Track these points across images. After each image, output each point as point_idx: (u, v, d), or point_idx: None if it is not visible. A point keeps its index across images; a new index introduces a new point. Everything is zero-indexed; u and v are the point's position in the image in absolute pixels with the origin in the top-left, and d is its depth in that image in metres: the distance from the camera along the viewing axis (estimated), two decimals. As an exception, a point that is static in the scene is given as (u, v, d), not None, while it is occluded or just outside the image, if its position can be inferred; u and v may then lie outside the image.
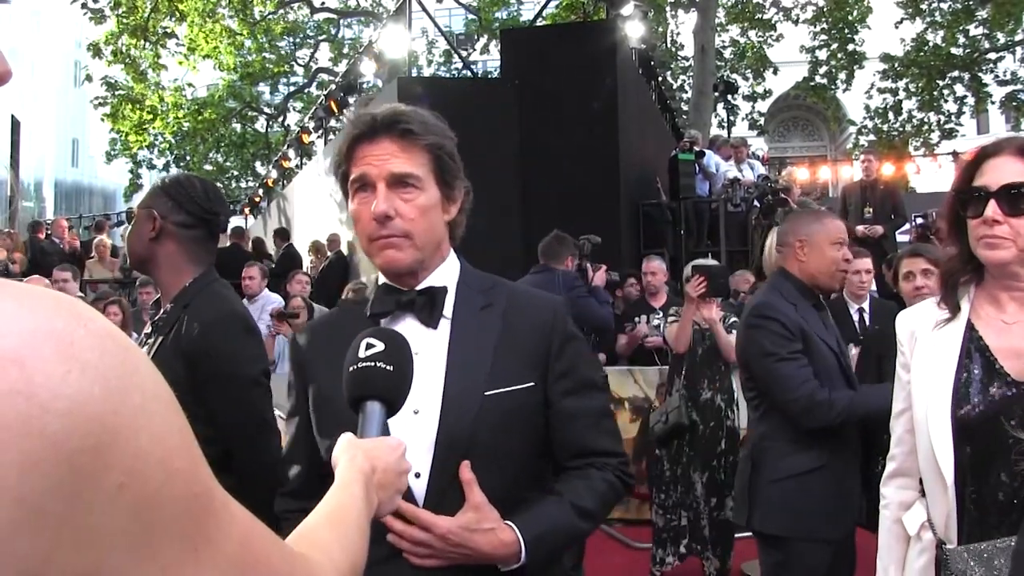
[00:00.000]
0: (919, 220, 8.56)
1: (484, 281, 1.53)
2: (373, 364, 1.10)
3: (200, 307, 2.01)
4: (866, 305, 4.55)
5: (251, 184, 22.94)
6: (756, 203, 9.49)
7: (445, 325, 1.44)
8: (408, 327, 1.43)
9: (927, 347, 1.68)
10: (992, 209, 1.55)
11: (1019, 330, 1.60)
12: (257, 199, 19.08)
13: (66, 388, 0.44)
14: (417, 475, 1.35)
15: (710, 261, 4.87)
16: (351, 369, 1.12)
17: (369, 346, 1.12)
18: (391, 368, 1.10)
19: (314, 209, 13.13)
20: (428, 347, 1.42)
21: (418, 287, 1.45)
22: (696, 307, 4.22)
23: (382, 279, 1.49)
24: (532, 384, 1.42)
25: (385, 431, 1.09)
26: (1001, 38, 20.30)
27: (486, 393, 1.38)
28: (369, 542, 1.34)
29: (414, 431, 1.36)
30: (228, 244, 10.70)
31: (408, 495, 1.32)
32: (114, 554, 0.47)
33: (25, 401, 0.43)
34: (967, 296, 1.67)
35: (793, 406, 2.56)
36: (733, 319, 4.55)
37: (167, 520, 0.50)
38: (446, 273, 1.49)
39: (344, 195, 1.48)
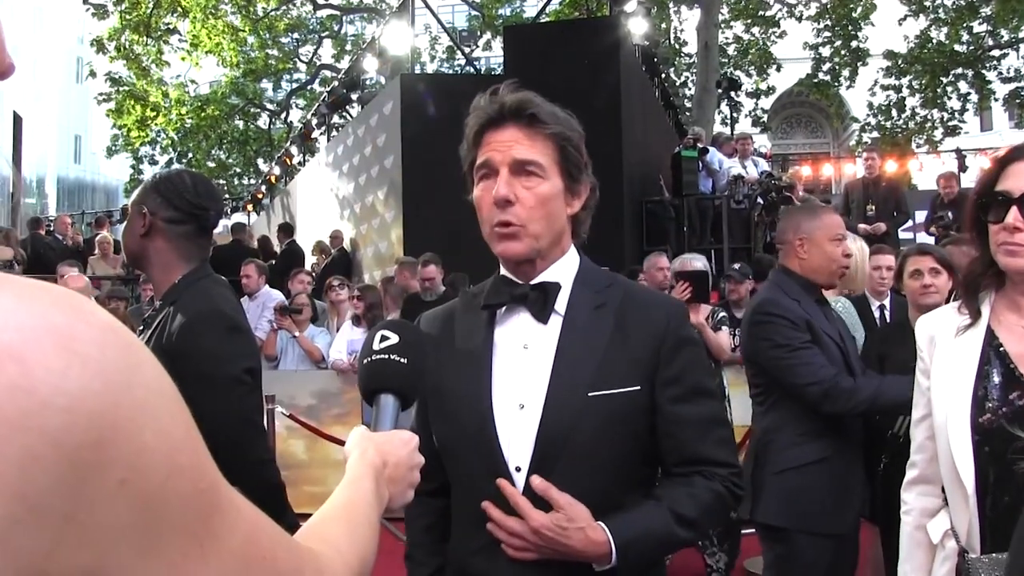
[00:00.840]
0: (938, 215, 8.43)
1: (602, 279, 1.51)
2: (387, 357, 1.09)
3: (184, 304, 2.00)
4: (887, 302, 4.53)
5: (254, 181, 22.92)
6: (759, 200, 9.48)
7: (556, 321, 1.44)
8: (521, 320, 1.45)
9: (947, 353, 1.64)
10: (1014, 216, 1.52)
11: None
12: (260, 195, 19.09)
13: (67, 383, 0.44)
14: (518, 468, 1.38)
15: (696, 260, 4.78)
16: (365, 362, 1.11)
17: (384, 338, 1.11)
18: (405, 361, 1.09)
19: (317, 205, 13.13)
20: (538, 342, 1.43)
21: (533, 280, 1.45)
22: None
23: (502, 270, 1.49)
24: (638, 388, 1.40)
25: (398, 424, 1.08)
26: (1005, 35, 20.24)
27: (590, 394, 1.37)
28: (470, 529, 1.40)
29: (518, 425, 1.39)
30: (229, 240, 10.69)
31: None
32: (118, 550, 0.47)
33: (25, 397, 0.42)
34: (987, 301, 1.63)
35: (814, 390, 2.54)
36: (722, 315, 4.54)
37: (172, 516, 0.49)
38: (564, 268, 1.47)
39: (469, 182, 1.46)
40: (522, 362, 1.42)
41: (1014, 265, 1.54)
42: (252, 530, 0.57)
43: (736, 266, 6.28)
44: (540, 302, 1.43)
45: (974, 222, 1.63)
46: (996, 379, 1.57)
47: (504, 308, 1.46)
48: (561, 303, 1.45)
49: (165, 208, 2.05)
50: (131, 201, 2.14)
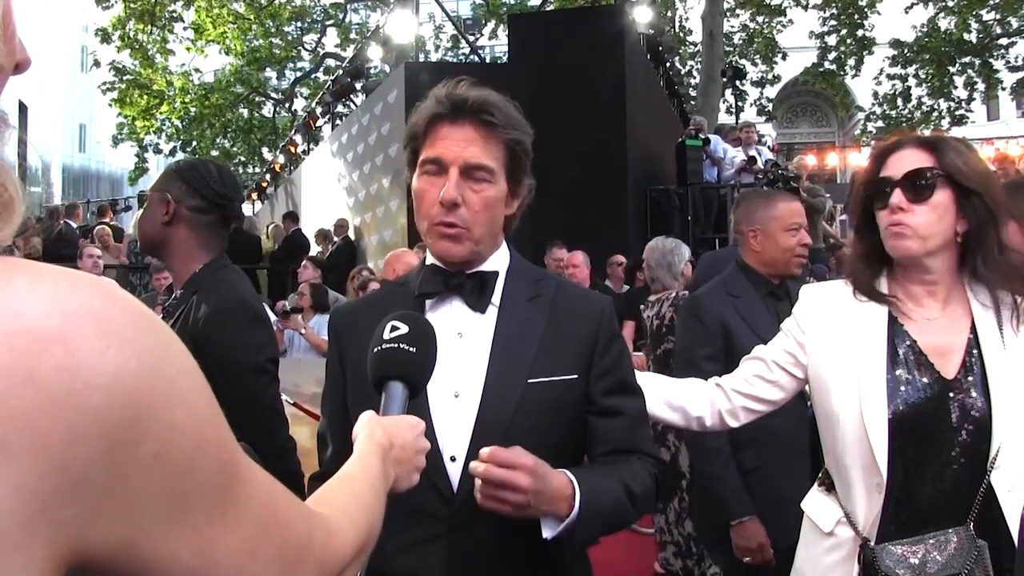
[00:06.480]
0: None
1: (533, 273, 1.52)
2: (397, 346, 1.12)
3: (209, 293, 2.01)
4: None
5: (258, 170, 22.92)
6: (765, 189, 9.47)
7: (492, 311, 1.43)
8: (455, 309, 1.44)
9: (841, 336, 1.65)
10: (898, 197, 1.56)
11: (941, 325, 1.58)
12: (264, 184, 19.09)
13: (106, 364, 0.47)
14: (453, 459, 1.35)
15: None
16: (375, 350, 1.14)
17: (394, 328, 1.14)
18: (414, 350, 1.12)
19: (322, 194, 13.14)
20: (474, 331, 1.41)
21: (468, 272, 1.44)
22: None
23: (429, 259, 1.47)
24: (575, 377, 1.40)
25: (405, 412, 1.10)
26: (1013, 23, 20.10)
27: (529, 381, 1.37)
28: (399, 525, 1.30)
29: (453, 414, 1.36)
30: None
31: (443, 478, 1.33)
32: (149, 519, 0.50)
33: (70, 377, 0.45)
34: (882, 288, 1.65)
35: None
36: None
37: (198, 486, 0.53)
38: (497, 262, 1.47)
39: (410, 166, 1.45)
40: (456, 351, 1.38)
41: (901, 248, 1.57)
42: (268, 497, 0.62)
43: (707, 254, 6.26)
44: (476, 292, 1.43)
45: (862, 216, 1.65)
46: (906, 368, 1.57)
47: (437, 297, 1.44)
48: (496, 294, 1.44)
49: (191, 196, 2.07)
50: (152, 188, 2.15)
